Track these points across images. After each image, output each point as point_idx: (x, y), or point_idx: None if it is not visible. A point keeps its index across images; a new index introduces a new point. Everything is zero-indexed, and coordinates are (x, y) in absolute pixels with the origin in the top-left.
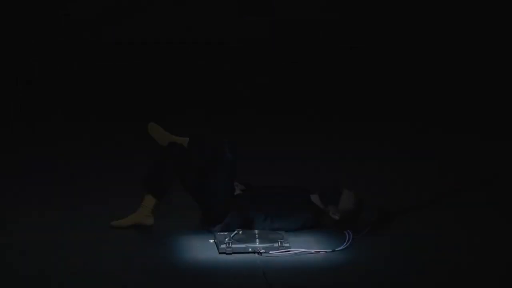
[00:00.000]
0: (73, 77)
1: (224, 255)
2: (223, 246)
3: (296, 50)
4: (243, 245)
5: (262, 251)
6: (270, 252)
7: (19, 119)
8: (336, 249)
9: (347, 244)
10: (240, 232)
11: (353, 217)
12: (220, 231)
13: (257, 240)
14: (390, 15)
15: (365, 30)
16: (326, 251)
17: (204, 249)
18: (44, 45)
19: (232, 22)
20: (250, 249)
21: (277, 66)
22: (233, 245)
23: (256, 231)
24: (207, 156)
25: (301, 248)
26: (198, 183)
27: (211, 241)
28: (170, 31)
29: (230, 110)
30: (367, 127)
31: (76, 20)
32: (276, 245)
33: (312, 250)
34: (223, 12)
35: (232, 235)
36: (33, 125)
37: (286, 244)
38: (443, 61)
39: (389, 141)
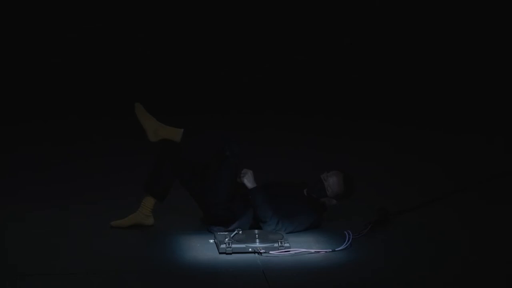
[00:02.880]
0: (74, 76)
1: (224, 255)
2: (223, 246)
3: (296, 49)
4: (243, 245)
5: (262, 251)
6: (270, 252)
7: (19, 118)
8: (336, 249)
9: (347, 244)
10: (240, 232)
11: (349, 193)
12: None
13: (257, 240)
14: (390, 15)
15: (366, 30)
16: (326, 251)
17: (204, 249)
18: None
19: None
20: (250, 249)
21: (277, 66)
22: (233, 245)
23: (256, 231)
24: (208, 156)
25: (301, 248)
26: (199, 183)
27: (211, 241)
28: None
29: (230, 110)
30: (367, 127)
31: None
32: (276, 245)
33: (312, 250)
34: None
35: (232, 235)
36: (33, 124)
37: (286, 244)
38: (443, 61)
39: (389, 141)
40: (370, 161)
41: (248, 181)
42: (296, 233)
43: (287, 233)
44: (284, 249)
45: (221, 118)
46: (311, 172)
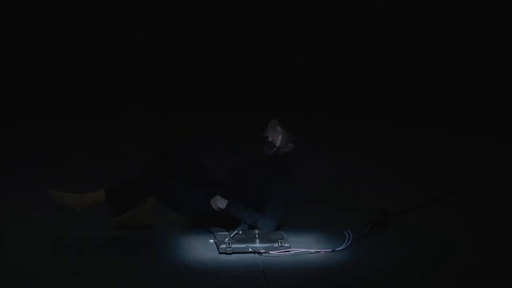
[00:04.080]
0: (74, 76)
1: (224, 255)
2: (223, 246)
3: (296, 49)
4: (243, 245)
5: (262, 251)
6: (270, 252)
7: (19, 118)
8: (336, 249)
9: (347, 244)
10: (240, 232)
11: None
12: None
13: (257, 240)
14: (391, 15)
15: (366, 30)
16: (326, 251)
17: (204, 249)
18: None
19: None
20: (250, 249)
21: (277, 66)
22: (233, 245)
23: (256, 231)
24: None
25: (301, 248)
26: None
27: (211, 241)
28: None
29: (230, 110)
30: (367, 127)
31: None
32: (276, 245)
33: (312, 250)
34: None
35: (232, 235)
36: (33, 124)
37: (286, 244)
38: (443, 61)
39: (389, 141)
40: (370, 161)
41: (220, 203)
42: (296, 233)
43: (283, 212)
44: (284, 249)
45: (221, 118)
46: (311, 172)
